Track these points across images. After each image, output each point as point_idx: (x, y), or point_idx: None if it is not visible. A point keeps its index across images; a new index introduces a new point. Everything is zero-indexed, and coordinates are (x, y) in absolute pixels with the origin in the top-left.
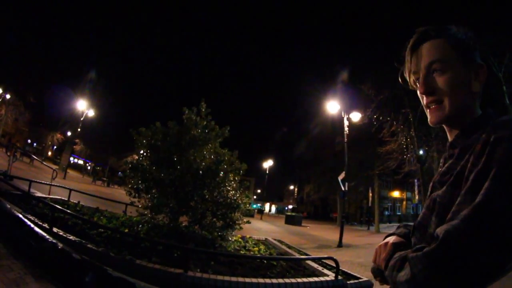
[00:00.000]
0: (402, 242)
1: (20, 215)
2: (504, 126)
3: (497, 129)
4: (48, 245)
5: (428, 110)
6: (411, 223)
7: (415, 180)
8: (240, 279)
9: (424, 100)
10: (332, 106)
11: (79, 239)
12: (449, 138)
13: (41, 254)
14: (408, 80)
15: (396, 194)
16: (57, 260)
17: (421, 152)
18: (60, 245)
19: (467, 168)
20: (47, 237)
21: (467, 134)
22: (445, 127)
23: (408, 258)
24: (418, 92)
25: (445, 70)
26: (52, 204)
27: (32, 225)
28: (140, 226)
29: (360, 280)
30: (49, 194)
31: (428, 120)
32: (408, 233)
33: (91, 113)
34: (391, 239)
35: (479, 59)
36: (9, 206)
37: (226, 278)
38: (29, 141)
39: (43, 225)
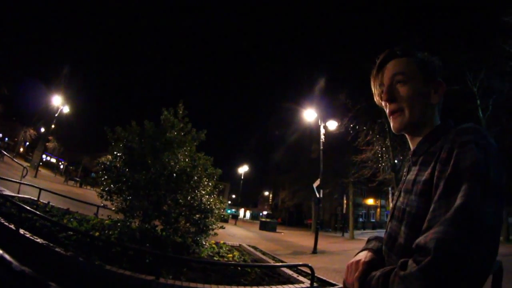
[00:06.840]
0: (374, 259)
1: None
2: (466, 131)
3: (461, 134)
4: None
5: (391, 118)
6: (383, 235)
7: (389, 188)
8: (214, 287)
9: (387, 109)
10: (309, 114)
11: (47, 242)
12: (411, 147)
13: None
14: (375, 93)
15: (370, 201)
16: None
17: (395, 161)
18: None
19: (435, 176)
20: None
21: (429, 141)
22: (407, 136)
23: (399, 277)
24: (382, 103)
25: (407, 81)
26: (20, 203)
27: None
28: (112, 230)
29: (336, 287)
30: (18, 193)
31: (391, 127)
32: (381, 247)
33: (66, 109)
34: (362, 256)
35: (440, 79)
36: None
37: (199, 285)
38: (0, 135)
39: (10, 226)
